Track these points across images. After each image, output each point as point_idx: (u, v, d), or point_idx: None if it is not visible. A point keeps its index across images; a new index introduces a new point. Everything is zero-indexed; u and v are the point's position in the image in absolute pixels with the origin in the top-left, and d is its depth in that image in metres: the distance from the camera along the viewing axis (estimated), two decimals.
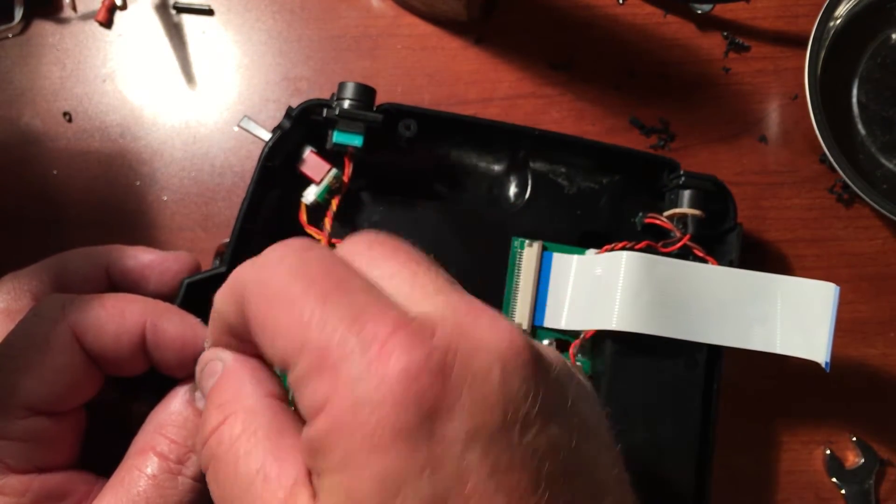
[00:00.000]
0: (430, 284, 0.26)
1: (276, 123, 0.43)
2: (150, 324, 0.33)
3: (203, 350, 0.31)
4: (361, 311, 0.23)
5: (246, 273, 0.27)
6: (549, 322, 0.46)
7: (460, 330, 0.24)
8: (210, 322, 0.30)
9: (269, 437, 0.26)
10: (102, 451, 0.34)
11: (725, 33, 0.55)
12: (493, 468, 0.22)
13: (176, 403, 0.33)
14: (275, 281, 0.26)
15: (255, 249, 0.42)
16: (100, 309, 0.32)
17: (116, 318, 0.32)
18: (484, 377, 0.23)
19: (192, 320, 0.35)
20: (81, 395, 0.33)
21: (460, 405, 0.22)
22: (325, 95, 0.45)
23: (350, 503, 0.22)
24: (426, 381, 0.22)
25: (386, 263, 0.27)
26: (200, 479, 0.32)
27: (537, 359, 0.24)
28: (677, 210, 0.47)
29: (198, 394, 0.32)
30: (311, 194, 0.44)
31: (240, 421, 0.27)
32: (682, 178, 0.46)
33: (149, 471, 0.31)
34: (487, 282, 0.46)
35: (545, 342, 0.46)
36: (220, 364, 0.30)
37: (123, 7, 0.53)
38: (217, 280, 0.40)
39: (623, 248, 0.45)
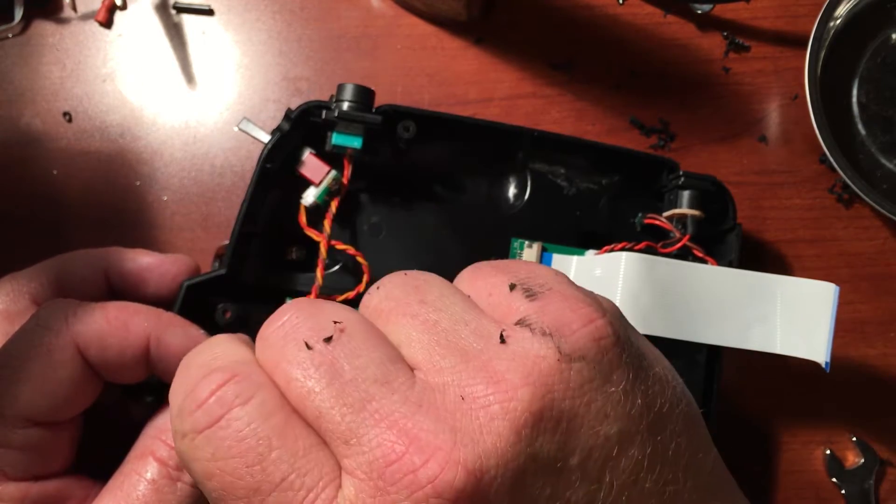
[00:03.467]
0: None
1: (276, 124, 0.44)
2: (154, 337, 0.33)
3: None
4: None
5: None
6: None
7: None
8: None
9: None
10: (99, 454, 0.34)
11: (725, 33, 0.55)
12: None
13: None
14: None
15: (255, 251, 0.43)
16: (103, 321, 0.32)
17: (120, 330, 0.32)
18: None
19: (196, 332, 0.35)
20: (81, 404, 0.33)
21: None
22: (325, 95, 0.45)
23: None
24: None
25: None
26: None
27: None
28: (677, 210, 0.47)
29: None
30: (310, 196, 0.44)
31: None
32: (682, 179, 0.46)
33: (148, 475, 0.31)
34: None
35: None
36: None
37: (123, 7, 0.53)
38: (216, 283, 0.40)
39: (622, 249, 0.46)
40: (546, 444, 0.24)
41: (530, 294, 0.27)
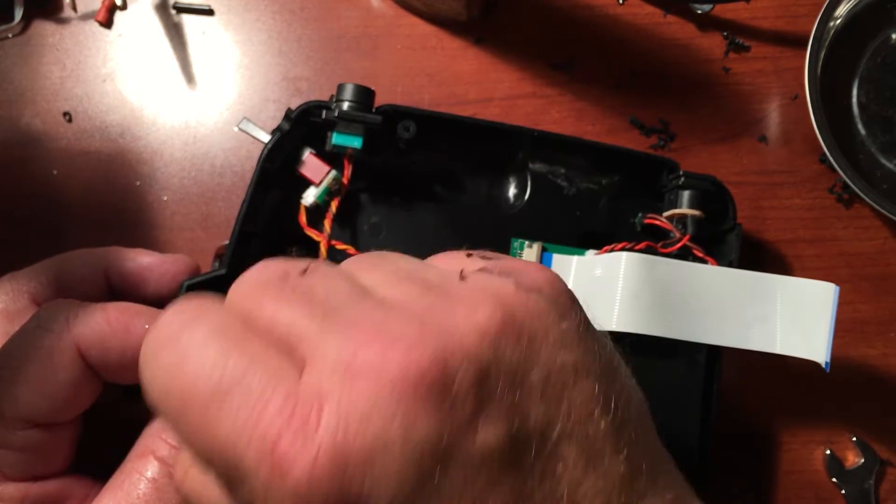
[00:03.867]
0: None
1: (276, 124, 0.44)
2: None
3: None
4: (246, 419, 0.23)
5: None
6: None
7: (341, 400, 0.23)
8: None
9: None
10: (99, 453, 0.34)
11: (725, 33, 0.55)
12: None
13: None
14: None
15: (255, 251, 0.43)
16: (104, 323, 0.32)
17: (121, 332, 0.32)
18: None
19: None
20: (81, 405, 0.33)
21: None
22: (325, 95, 0.45)
23: None
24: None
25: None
26: None
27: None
28: (677, 210, 0.47)
29: None
30: (310, 196, 0.44)
31: None
32: (682, 179, 0.46)
33: (149, 474, 0.31)
34: None
35: None
36: None
37: (123, 7, 0.53)
38: (216, 282, 0.40)
39: (623, 249, 0.46)
40: (508, 351, 0.25)
41: (486, 258, 0.30)
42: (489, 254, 0.31)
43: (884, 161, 0.54)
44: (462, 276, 0.27)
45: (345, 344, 0.24)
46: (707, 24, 0.55)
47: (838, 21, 0.54)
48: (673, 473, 0.29)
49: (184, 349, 0.25)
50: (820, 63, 0.53)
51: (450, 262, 0.30)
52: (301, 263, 0.28)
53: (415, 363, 0.23)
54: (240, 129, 0.45)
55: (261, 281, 0.27)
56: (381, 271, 0.28)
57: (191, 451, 0.26)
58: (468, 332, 0.24)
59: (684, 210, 0.46)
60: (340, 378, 0.23)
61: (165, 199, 0.52)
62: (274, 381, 0.23)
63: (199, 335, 0.25)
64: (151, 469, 0.31)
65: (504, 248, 0.47)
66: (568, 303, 0.28)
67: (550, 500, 0.24)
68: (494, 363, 0.24)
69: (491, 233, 0.47)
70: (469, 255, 0.30)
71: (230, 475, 0.23)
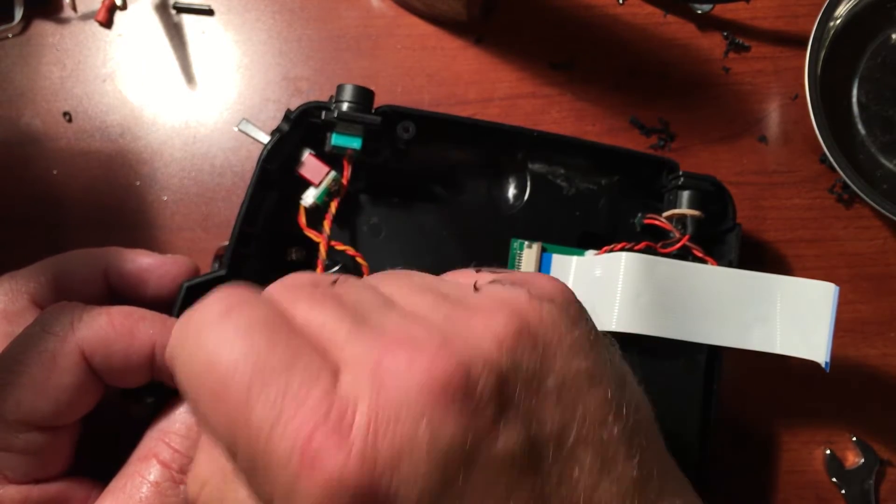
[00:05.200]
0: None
1: (275, 124, 0.43)
2: (160, 344, 0.33)
3: None
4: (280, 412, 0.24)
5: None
6: None
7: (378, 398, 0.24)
8: None
9: None
10: (99, 455, 0.34)
11: (725, 33, 0.55)
12: None
13: (180, 412, 0.33)
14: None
15: (255, 252, 0.43)
16: (109, 328, 0.32)
17: (125, 337, 0.32)
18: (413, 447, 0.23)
19: None
20: (83, 409, 0.33)
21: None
22: (325, 95, 0.45)
23: None
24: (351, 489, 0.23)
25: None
26: None
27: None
28: (676, 211, 0.47)
29: None
30: (309, 197, 0.44)
31: None
32: (681, 179, 0.46)
33: (151, 477, 0.31)
34: None
35: None
36: None
37: (123, 7, 0.53)
38: (216, 283, 0.40)
39: (622, 249, 0.46)
40: (526, 358, 0.25)
41: (495, 272, 0.31)
42: (498, 269, 0.32)
43: (884, 161, 0.54)
44: (476, 288, 0.29)
45: (374, 350, 0.25)
46: (707, 24, 0.55)
47: (838, 21, 0.54)
48: (680, 479, 0.30)
49: (230, 332, 0.25)
50: (820, 63, 0.53)
51: (462, 277, 0.31)
52: (330, 276, 0.30)
53: (440, 369, 0.24)
54: (239, 131, 0.45)
55: (295, 285, 0.28)
56: (400, 283, 0.29)
57: (213, 440, 0.26)
58: (487, 341, 0.25)
59: (684, 210, 0.46)
60: (370, 381, 0.24)
61: (165, 199, 0.52)
62: (314, 378, 0.24)
63: (244, 321, 0.26)
64: (154, 472, 0.31)
65: (504, 248, 0.47)
66: (578, 312, 0.29)
67: (568, 502, 0.25)
68: (513, 370, 0.25)
69: (490, 233, 0.47)
70: (478, 271, 0.31)
71: (255, 465, 0.24)
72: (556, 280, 0.30)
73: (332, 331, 0.26)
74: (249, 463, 0.24)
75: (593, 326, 0.29)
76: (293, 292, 0.28)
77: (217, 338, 0.25)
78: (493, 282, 0.29)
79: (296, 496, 0.23)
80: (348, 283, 0.29)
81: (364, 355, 0.25)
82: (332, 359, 0.25)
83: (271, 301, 0.28)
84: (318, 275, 0.30)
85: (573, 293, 0.30)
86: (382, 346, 0.25)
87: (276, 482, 0.23)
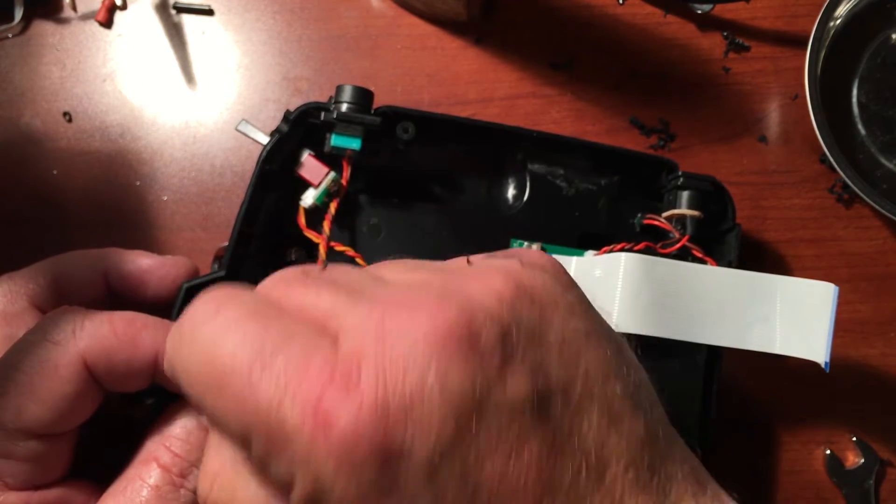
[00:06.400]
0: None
1: (275, 124, 0.43)
2: (163, 352, 0.33)
3: None
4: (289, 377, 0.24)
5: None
6: None
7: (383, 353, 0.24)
8: None
9: None
10: (99, 457, 0.34)
11: (725, 33, 0.55)
12: None
13: (181, 416, 0.33)
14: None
15: (254, 253, 0.43)
16: (112, 336, 0.32)
17: (128, 346, 0.32)
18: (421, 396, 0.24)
19: None
20: (83, 415, 0.33)
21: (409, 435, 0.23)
22: (325, 96, 0.45)
23: None
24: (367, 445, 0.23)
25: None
26: None
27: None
28: (676, 211, 0.47)
29: None
30: (309, 197, 0.43)
31: None
32: (681, 179, 0.46)
33: (151, 481, 0.31)
34: None
35: None
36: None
37: (123, 7, 0.53)
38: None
39: (622, 250, 0.46)
40: (525, 313, 0.26)
41: (488, 255, 0.32)
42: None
43: (884, 161, 0.54)
44: (469, 262, 0.29)
45: (374, 313, 0.25)
46: (707, 24, 0.55)
47: (838, 21, 0.54)
48: (684, 447, 0.30)
49: (222, 326, 0.26)
50: (820, 63, 0.53)
51: (454, 261, 0.31)
52: (319, 265, 0.31)
53: (442, 318, 0.24)
54: (238, 131, 0.45)
55: (285, 277, 0.29)
56: (393, 265, 0.30)
57: (223, 435, 0.26)
58: (487, 296, 0.26)
59: (683, 210, 0.46)
60: (373, 339, 0.24)
61: (165, 199, 0.52)
62: (313, 347, 0.24)
63: (234, 313, 0.26)
64: (154, 476, 0.31)
65: (503, 248, 0.46)
66: (569, 280, 0.29)
67: (581, 454, 0.25)
68: (514, 323, 0.25)
69: (490, 233, 0.47)
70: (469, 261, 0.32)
71: (270, 444, 0.24)
72: (546, 253, 0.31)
73: (328, 306, 0.26)
74: (265, 446, 0.24)
75: (584, 295, 0.30)
76: (285, 283, 0.28)
77: (211, 334, 0.26)
78: (486, 258, 0.30)
79: (316, 460, 0.23)
80: (339, 268, 0.29)
81: (364, 320, 0.25)
82: (330, 329, 0.25)
83: (262, 293, 0.28)
84: (307, 265, 0.30)
85: (562, 265, 0.30)
86: (382, 308, 0.25)
87: (294, 454, 0.23)
